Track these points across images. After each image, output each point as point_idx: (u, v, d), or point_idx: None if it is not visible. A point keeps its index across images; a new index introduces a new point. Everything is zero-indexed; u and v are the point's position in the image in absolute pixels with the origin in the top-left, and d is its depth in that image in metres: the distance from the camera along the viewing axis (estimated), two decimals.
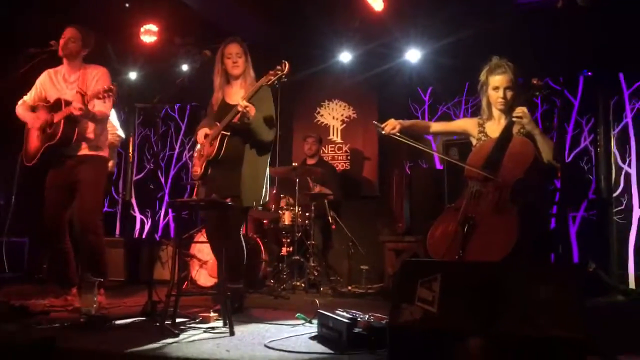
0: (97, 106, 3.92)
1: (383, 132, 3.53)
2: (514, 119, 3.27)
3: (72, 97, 3.91)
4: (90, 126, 4.00)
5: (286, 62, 3.54)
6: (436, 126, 3.80)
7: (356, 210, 6.55)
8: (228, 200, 3.36)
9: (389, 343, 2.19)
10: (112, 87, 3.76)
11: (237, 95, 3.76)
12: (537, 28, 5.65)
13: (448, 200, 5.18)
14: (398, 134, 3.50)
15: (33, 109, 4.07)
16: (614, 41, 5.44)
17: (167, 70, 6.78)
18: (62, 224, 3.99)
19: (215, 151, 3.66)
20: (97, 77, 4.01)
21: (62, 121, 3.84)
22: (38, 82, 4.16)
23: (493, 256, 2.90)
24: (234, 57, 3.80)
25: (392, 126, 3.51)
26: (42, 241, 4.75)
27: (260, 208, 5.59)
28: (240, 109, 3.52)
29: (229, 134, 3.67)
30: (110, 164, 5.45)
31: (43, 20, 4.35)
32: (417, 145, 3.52)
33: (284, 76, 3.55)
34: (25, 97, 4.15)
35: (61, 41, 4.03)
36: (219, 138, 3.67)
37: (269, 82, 3.54)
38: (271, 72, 3.56)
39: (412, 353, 2.14)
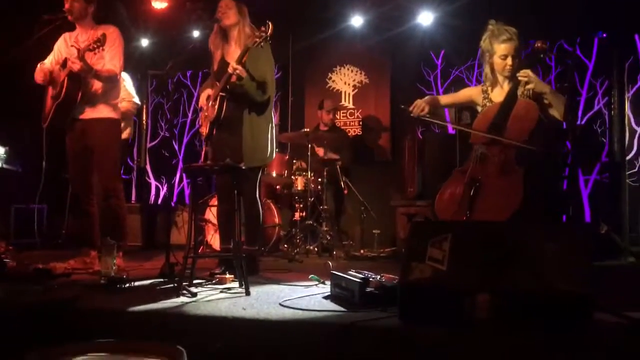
0: (107, 64, 3.94)
1: (412, 115, 3.48)
2: (519, 79, 3.28)
3: (69, 54, 3.94)
4: (97, 85, 4.00)
5: (270, 23, 3.53)
6: (445, 99, 3.78)
7: (368, 175, 6.59)
8: (242, 165, 3.41)
9: (399, 300, 2.25)
10: (99, 37, 3.74)
11: (235, 53, 3.76)
12: None
13: (460, 164, 5.20)
14: (428, 116, 3.47)
15: (51, 72, 4.09)
16: (630, 2, 5.34)
17: (178, 37, 6.77)
18: (87, 187, 4.09)
19: (215, 113, 3.71)
20: (105, 33, 3.92)
21: (66, 79, 3.88)
22: (55, 46, 4.19)
23: (499, 216, 2.95)
24: (223, 8, 3.78)
25: (420, 108, 3.46)
26: (63, 205, 4.82)
27: (274, 175, 5.67)
28: (230, 71, 3.56)
29: (226, 95, 3.71)
30: (127, 131, 5.50)
31: None
32: (442, 124, 3.49)
33: (268, 37, 3.56)
34: (44, 61, 4.18)
35: (66, 6, 4.01)
36: (218, 99, 3.71)
37: (255, 44, 3.55)
38: (256, 33, 3.57)
39: (422, 310, 2.20)
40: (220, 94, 3.69)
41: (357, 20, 6.69)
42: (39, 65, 4.13)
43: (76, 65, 3.76)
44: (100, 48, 3.80)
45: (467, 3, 5.83)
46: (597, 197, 5.79)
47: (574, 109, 5.64)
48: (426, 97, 3.58)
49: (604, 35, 5.84)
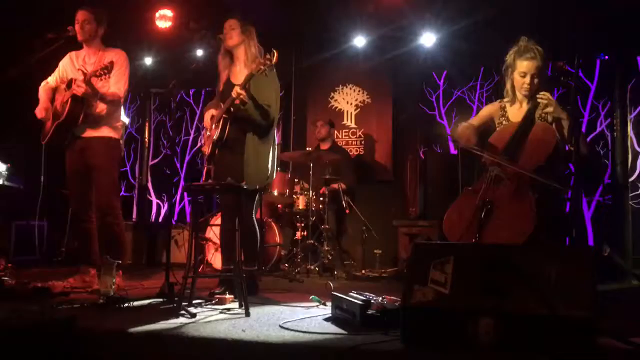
0: (112, 87, 3.98)
1: (460, 146, 3.43)
2: (538, 101, 3.24)
3: (75, 75, 3.97)
4: (100, 107, 4.02)
5: (275, 51, 3.56)
6: (476, 122, 3.55)
7: (370, 195, 6.57)
8: (243, 184, 3.40)
9: (401, 324, 2.22)
10: (107, 64, 3.78)
11: (240, 74, 3.79)
12: (553, 11, 5.59)
13: (462, 185, 5.18)
14: (475, 147, 3.29)
15: (54, 90, 4.12)
16: (632, 24, 5.37)
17: (182, 56, 6.81)
18: (85, 204, 4.09)
19: (219, 134, 3.73)
20: (113, 59, 3.97)
21: (69, 100, 3.91)
22: (60, 64, 4.23)
23: (510, 242, 2.90)
24: (228, 30, 3.83)
25: (466, 138, 3.32)
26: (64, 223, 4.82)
27: (275, 193, 5.66)
28: (234, 95, 3.58)
29: (230, 117, 3.72)
30: None
31: (61, 5, 4.37)
32: (478, 153, 3.30)
33: (272, 65, 3.59)
34: (48, 79, 4.21)
35: (76, 26, 4.06)
36: (221, 121, 3.73)
37: (259, 72, 3.57)
38: (261, 60, 3.60)
39: (424, 333, 2.17)
40: (224, 116, 3.71)
41: (359, 41, 6.73)
42: (42, 84, 4.15)
43: (81, 89, 3.78)
44: (107, 75, 3.84)
45: (469, 24, 5.87)
46: (600, 219, 5.76)
47: (577, 131, 5.63)
48: (463, 125, 3.45)
49: (606, 57, 5.86)
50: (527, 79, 3.32)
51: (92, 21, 4.06)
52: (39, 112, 4.09)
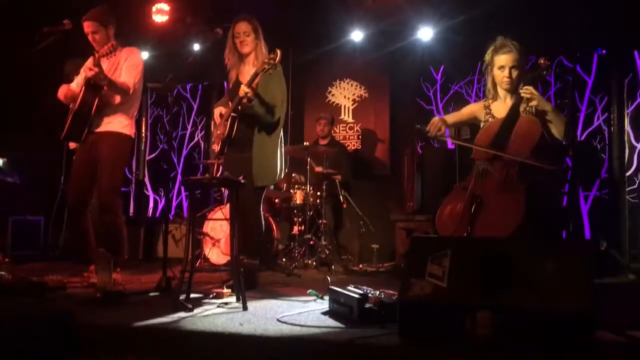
0: (123, 78, 3.99)
1: (429, 135, 3.42)
2: (522, 95, 3.27)
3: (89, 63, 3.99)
4: (112, 98, 4.04)
5: (278, 51, 3.57)
6: (451, 119, 3.66)
7: (367, 189, 6.58)
8: (241, 179, 3.40)
9: (399, 317, 2.23)
10: (113, 43, 3.86)
11: (248, 74, 3.81)
12: (551, 5, 5.58)
13: (459, 179, 5.19)
14: (444, 137, 3.41)
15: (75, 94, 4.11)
16: (630, 19, 5.36)
17: (178, 50, 6.79)
18: (84, 201, 4.07)
19: (227, 132, 3.74)
20: (126, 55, 4.06)
21: (83, 88, 3.92)
22: (82, 69, 4.24)
23: (499, 234, 2.92)
24: (242, 36, 3.84)
25: (437, 127, 3.39)
26: (62, 218, 4.82)
27: (272, 187, 5.67)
28: (241, 94, 3.60)
29: (237, 115, 3.74)
30: None
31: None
32: (468, 145, 3.41)
33: (276, 64, 3.59)
34: (71, 84, 4.21)
35: (88, 38, 4.09)
36: (229, 119, 3.74)
37: (263, 70, 3.59)
38: (265, 60, 3.61)
39: (421, 327, 2.17)
40: (232, 114, 3.73)
41: (357, 35, 6.72)
42: (64, 86, 4.16)
43: (92, 71, 3.77)
44: (113, 53, 3.91)
45: (466, 19, 5.86)
46: (597, 214, 5.77)
47: (574, 125, 5.65)
48: (436, 118, 3.50)
49: (604, 51, 5.86)
50: (506, 72, 3.38)
51: (99, 29, 4.07)
52: (62, 95, 4.12)
